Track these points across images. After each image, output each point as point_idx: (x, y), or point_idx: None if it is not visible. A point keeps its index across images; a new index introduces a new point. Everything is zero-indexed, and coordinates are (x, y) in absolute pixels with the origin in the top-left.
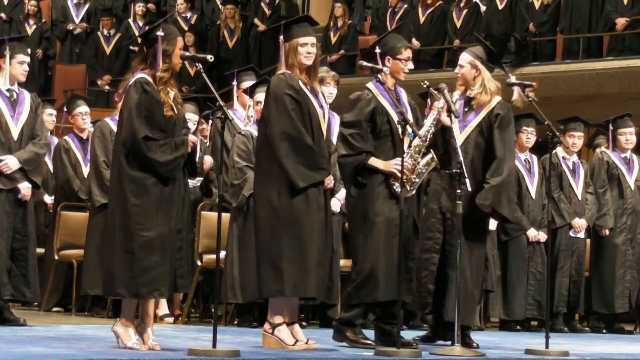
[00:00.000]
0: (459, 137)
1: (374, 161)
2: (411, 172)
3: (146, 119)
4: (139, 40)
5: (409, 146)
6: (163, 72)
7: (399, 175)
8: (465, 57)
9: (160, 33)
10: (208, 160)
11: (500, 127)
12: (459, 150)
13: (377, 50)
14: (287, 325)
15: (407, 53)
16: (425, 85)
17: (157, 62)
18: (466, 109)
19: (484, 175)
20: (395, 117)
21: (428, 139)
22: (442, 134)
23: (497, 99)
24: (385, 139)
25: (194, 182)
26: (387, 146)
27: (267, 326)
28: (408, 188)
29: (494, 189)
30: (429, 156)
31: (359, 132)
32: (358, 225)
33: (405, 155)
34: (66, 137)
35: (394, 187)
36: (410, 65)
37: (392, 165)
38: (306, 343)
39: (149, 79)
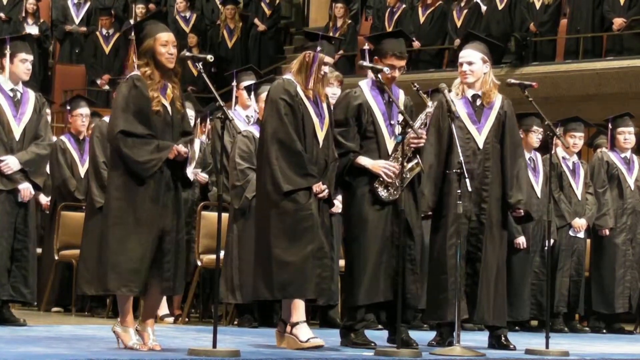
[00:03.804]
0: (479, 140)
1: (362, 159)
2: (396, 176)
3: (135, 114)
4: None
5: (395, 149)
6: (143, 67)
7: (385, 178)
8: (474, 54)
9: (131, 37)
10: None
11: (510, 125)
12: (459, 150)
13: (366, 47)
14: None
15: (392, 61)
16: (415, 88)
17: (128, 62)
18: (474, 110)
19: (502, 175)
20: (380, 118)
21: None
22: (448, 133)
23: (499, 95)
24: (369, 139)
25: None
26: (371, 147)
27: (281, 326)
28: (392, 192)
29: (527, 193)
30: (414, 161)
31: (346, 130)
32: (346, 228)
33: (391, 159)
34: (62, 137)
35: (378, 191)
36: (397, 73)
37: (381, 167)
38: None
39: (141, 76)
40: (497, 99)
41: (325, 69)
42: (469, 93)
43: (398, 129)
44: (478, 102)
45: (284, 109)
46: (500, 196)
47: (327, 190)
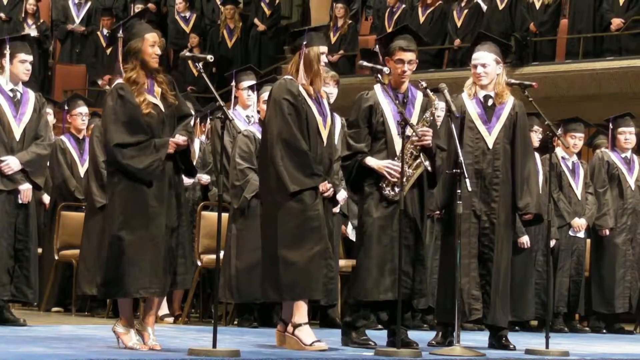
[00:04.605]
0: (489, 140)
1: (369, 160)
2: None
3: (126, 124)
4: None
5: (402, 149)
6: (130, 71)
7: (390, 178)
8: (487, 56)
9: (120, 35)
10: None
11: (521, 126)
12: (460, 150)
13: (376, 49)
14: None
15: (400, 55)
16: (422, 86)
17: (117, 64)
18: (485, 110)
19: (512, 176)
20: (390, 118)
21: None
22: (458, 133)
23: (511, 96)
24: (379, 140)
25: (189, 182)
26: (379, 147)
27: (281, 326)
28: (397, 192)
29: (537, 196)
30: (418, 160)
31: (356, 132)
32: (357, 227)
33: (396, 159)
34: (62, 137)
35: (384, 191)
36: (406, 67)
37: (385, 167)
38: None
39: (125, 83)
40: (509, 100)
41: (324, 58)
42: (481, 94)
43: (409, 130)
44: (490, 102)
45: (287, 109)
46: (510, 196)
47: (332, 189)
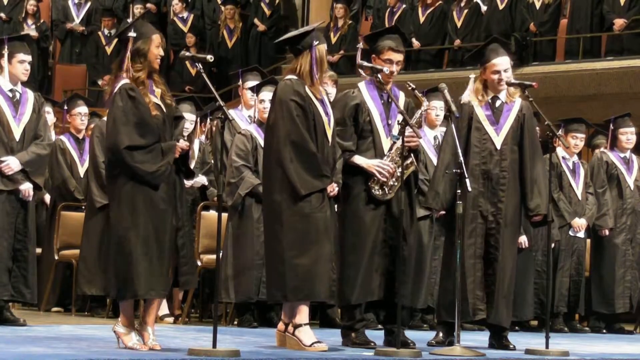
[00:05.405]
0: (497, 141)
1: (356, 159)
2: (391, 176)
3: (136, 125)
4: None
5: (390, 149)
6: (137, 72)
7: (379, 177)
8: (507, 61)
9: (132, 34)
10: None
11: (529, 127)
12: (459, 150)
13: (359, 46)
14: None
15: (389, 55)
16: (409, 88)
17: (124, 64)
18: (493, 112)
19: (521, 178)
20: (377, 118)
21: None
22: (465, 134)
23: (519, 98)
24: (365, 139)
25: (189, 183)
26: (367, 146)
27: (282, 326)
28: (387, 192)
29: (546, 197)
30: (408, 160)
31: (342, 130)
32: (341, 226)
33: (386, 158)
34: (62, 137)
35: (373, 191)
36: (395, 68)
37: (374, 166)
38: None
39: (132, 83)
40: (517, 101)
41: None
42: (489, 95)
43: (396, 129)
44: (497, 103)
45: (295, 110)
46: (516, 197)
47: (337, 189)
